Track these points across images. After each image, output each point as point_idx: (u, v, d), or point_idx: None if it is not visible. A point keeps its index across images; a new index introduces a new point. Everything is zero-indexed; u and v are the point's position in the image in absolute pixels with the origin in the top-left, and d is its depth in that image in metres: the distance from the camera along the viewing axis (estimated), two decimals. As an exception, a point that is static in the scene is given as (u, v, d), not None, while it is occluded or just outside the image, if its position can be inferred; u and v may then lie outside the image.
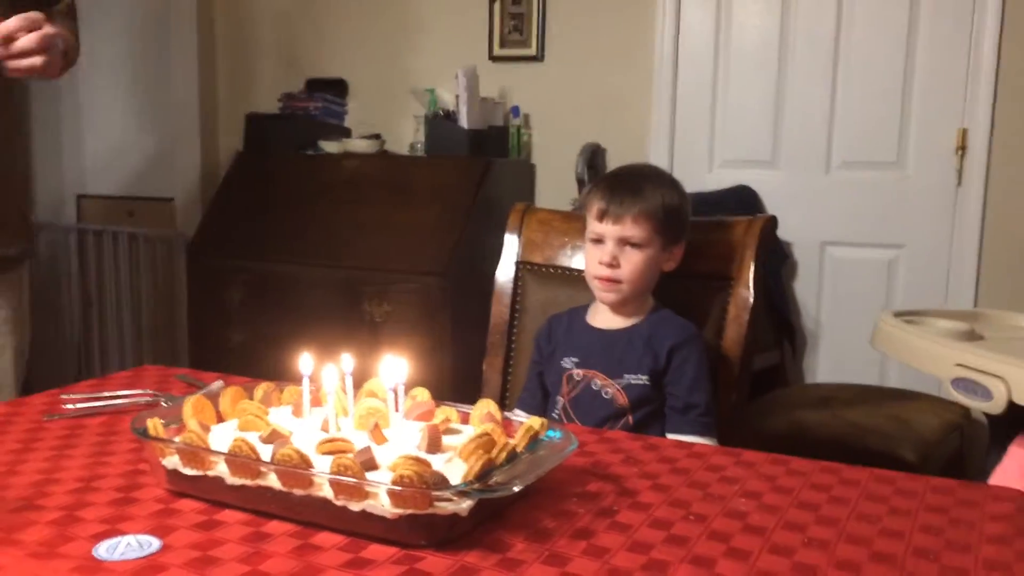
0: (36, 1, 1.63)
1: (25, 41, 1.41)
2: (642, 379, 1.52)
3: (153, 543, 0.86)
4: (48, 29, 1.44)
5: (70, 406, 1.28)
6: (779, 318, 3.05)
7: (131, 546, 0.85)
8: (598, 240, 1.56)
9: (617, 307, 1.59)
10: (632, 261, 1.53)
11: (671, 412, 1.52)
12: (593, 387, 1.55)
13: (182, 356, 3.70)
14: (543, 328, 1.68)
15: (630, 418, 1.51)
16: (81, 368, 3.99)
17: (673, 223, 1.56)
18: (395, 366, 1.02)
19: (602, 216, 1.54)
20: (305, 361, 1.05)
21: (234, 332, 3.07)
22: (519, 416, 1.10)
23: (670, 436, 1.49)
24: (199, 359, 3.19)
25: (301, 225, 3.08)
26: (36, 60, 1.43)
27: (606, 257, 1.53)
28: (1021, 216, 2.83)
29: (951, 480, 1.05)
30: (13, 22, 1.40)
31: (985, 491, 1.03)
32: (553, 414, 1.58)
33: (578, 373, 1.57)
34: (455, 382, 2.69)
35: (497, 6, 3.42)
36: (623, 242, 1.53)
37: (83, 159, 4.06)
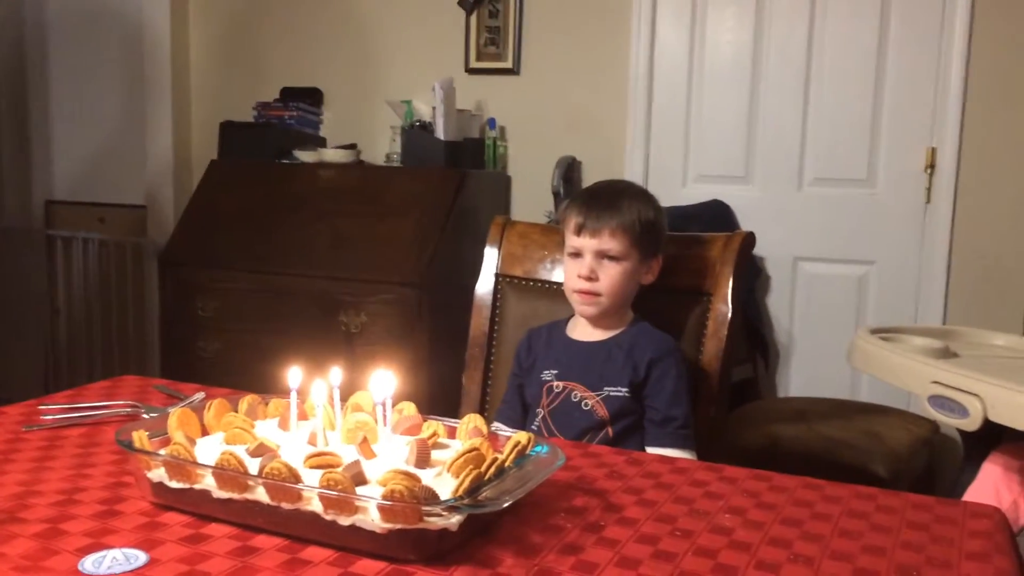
0: None
1: None
2: (622, 391, 1.53)
3: (140, 557, 0.85)
4: None
5: (49, 416, 1.27)
6: (752, 332, 3.08)
7: (117, 560, 0.85)
8: (576, 254, 1.58)
9: (596, 320, 1.60)
10: (610, 274, 1.55)
11: (650, 425, 1.54)
12: (573, 399, 1.55)
13: (153, 365, 3.66)
14: (522, 341, 1.68)
15: (610, 430, 1.52)
16: (48, 377, 3.93)
17: (650, 236, 1.58)
18: (383, 380, 1.02)
19: (580, 230, 1.56)
20: (293, 374, 1.05)
21: (207, 341, 3.04)
22: (504, 431, 1.10)
23: (649, 449, 1.50)
24: (171, 369, 3.15)
25: (276, 234, 3.07)
26: None
27: (584, 270, 1.55)
28: (988, 234, 2.88)
29: (930, 497, 1.07)
30: None
31: (963, 508, 1.05)
32: (532, 426, 1.59)
33: (558, 385, 1.57)
34: (432, 393, 2.69)
35: (474, 19, 3.43)
36: (601, 255, 1.55)
37: (52, 164, 4.02)
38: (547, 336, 1.66)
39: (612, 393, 1.53)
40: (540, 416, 1.58)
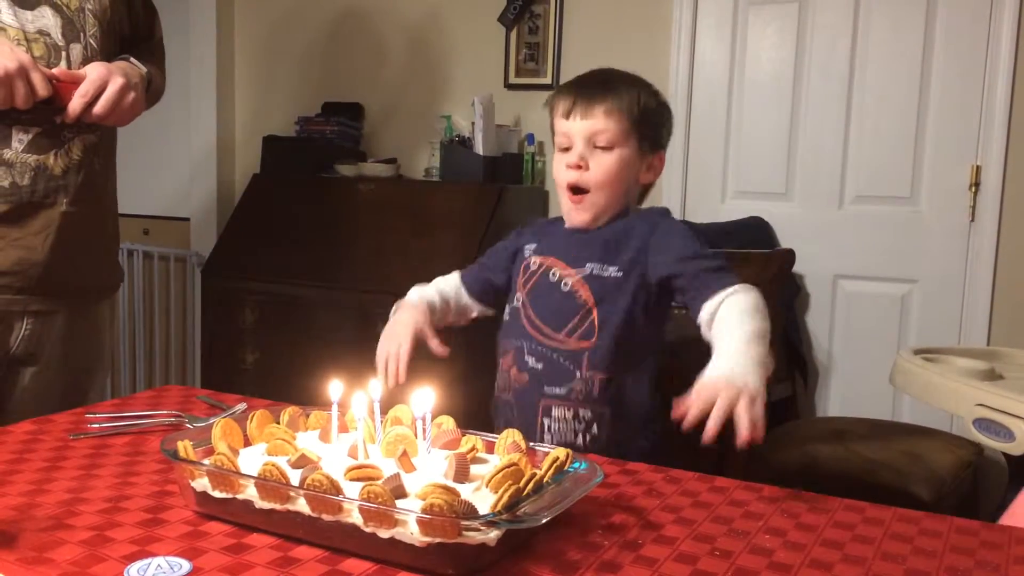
0: (131, 37, 1.69)
1: (100, 108, 1.56)
2: (609, 271, 1.39)
3: (183, 565, 0.87)
4: (114, 86, 1.55)
5: (95, 425, 1.29)
6: (791, 350, 3.05)
7: (161, 568, 0.86)
8: (567, 148, 1.43)
9: (591, 224, 1.45)
10: (602, 164, 1.39)
11: (685, 292, 1.36)
12: (551, 278, 1.42)
13: (194, 375, 3.71)
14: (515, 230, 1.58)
15: (595, 317, 1.37)
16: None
17: (650, 125, 1.43)
18: (424, 395, 1.03)
19: (569, 113, 1.41)
20: (334, 387, 1.06)
21: (247, 353, 3.08)
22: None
23: (703, 313, 1.31)
24: (212, 379, 3.20)
25: (316, 247, 3.10)
26: (113, 116, 1.61)
27: (573, 158, 1.40)
28: (1034, 254, 2.84)
29: (975, 521, 1.05)
30: (88, 87, 1.53)
31: (1010, 533, 1.03)
32: (506, 316, 1.49)
33: (535, 261, 1.44)
34: (469, 407, 2.68)
35: (513, 35, 3.45)
36: (592, 143, 1.40)
37: (99, 177, 4.09)
38: (543, 222, 1.54)
39: (596, 271, 1.38)
40: (520, 301, 1.44)
